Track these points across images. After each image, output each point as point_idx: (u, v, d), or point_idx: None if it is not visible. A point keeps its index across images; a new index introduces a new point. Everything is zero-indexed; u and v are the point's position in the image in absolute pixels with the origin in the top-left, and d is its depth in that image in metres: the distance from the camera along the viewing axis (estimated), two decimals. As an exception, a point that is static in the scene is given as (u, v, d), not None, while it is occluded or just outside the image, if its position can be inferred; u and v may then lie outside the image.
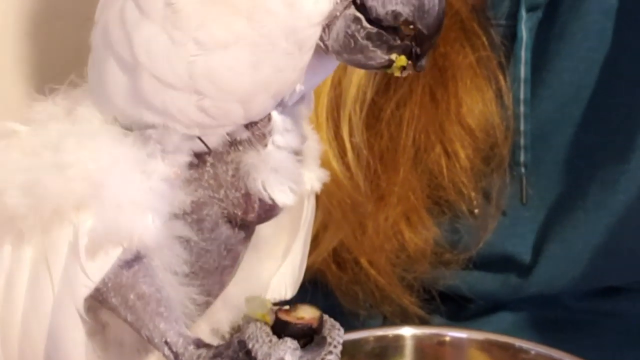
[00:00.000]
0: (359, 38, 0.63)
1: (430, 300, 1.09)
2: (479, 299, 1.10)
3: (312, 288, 1.01)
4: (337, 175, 0.98)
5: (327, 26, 0.63)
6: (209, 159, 0.68)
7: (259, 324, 0.63)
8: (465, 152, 1.02)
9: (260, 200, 0.68)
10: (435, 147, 1.02)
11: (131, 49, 0.64)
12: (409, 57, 0.64)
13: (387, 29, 0.63)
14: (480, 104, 1.02)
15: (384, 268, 1.05)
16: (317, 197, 0.80)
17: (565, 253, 1.05)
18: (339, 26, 0.63)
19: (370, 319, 1.10)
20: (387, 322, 1.09)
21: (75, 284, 0.64)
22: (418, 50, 0.64)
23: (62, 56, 0.94)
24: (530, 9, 1.01)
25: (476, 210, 1.04)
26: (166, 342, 0.65)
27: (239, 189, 0.68)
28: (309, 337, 0.64)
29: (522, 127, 1.03)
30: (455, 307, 1.11)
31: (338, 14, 0.63)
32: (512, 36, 1.03)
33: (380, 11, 0.62)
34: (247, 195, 0.68)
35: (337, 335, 0.65)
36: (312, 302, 0.66)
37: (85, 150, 0.64)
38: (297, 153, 0.70)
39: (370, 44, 0.63)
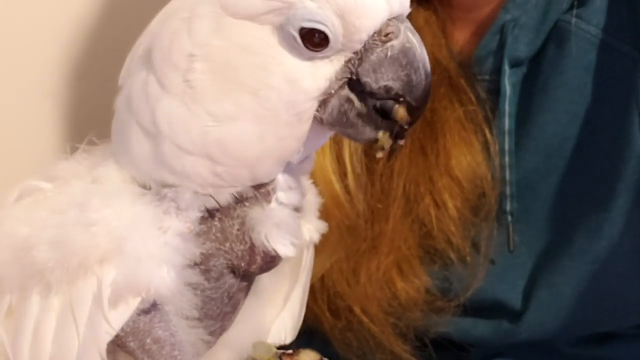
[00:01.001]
0: (351, 116, 0.74)
1: (423, 348, 1.15)
2: (472, 345, 1.17)
3: (309, 337, 1.05)
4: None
5: (324, 102, 0.74)
6: (217, 214, 0.77)
7: None
8: (453, 203, 1.10)
9: (264, 252, 0.78)
10: (425, 198, 1.11)
11: (154, 120, 0.74)
12: (391, 135, 0.75)
13: (376, 111, 0.74)
14: (467, 156, 1.11)
15: (377, 316, 1.12)
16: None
17: (554, 299, 1.12)
18: (333, 104, 0.74)
19: (365, 368, 1.16)
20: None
21: (98, 332, 0.73)
22: (408, 118, 0.74)
23: (85, 115, 1.01)
24: (514, 65, 1.10)
25: (468, 259, 1.12)
26: None
27: (244, 243, 0.78)
28: (309, 378, 0.74)
29: (508, 177, 1.11)
30: (450, 357, 1.17)
31: (333, 92, 0.73)
32: (497, 90, 1.11)
33: (374, 86, 0.74)
34: (252, 248, 0.78)
35: None
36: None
37: (109, 209, 0.73)
38: (297, 210, 0.80)
39: (360, 122, 0.75)
